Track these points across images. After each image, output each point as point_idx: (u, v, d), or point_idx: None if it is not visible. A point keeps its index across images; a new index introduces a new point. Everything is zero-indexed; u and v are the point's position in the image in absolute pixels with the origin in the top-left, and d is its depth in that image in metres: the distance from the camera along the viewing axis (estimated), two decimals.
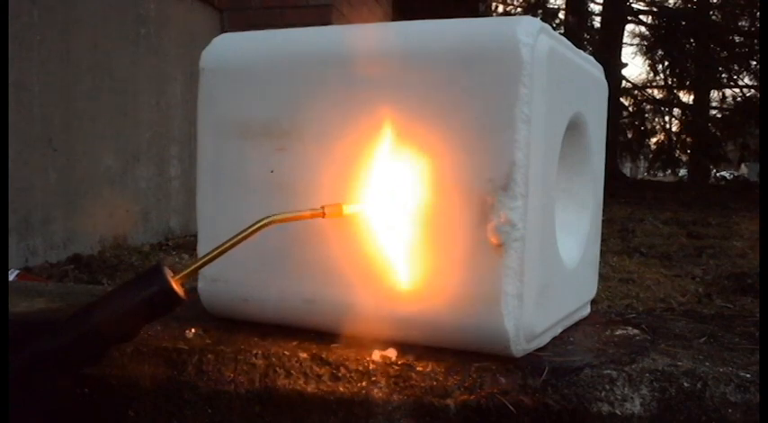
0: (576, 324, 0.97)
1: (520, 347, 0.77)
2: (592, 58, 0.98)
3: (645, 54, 12.11)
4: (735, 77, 11.34)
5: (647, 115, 12.44)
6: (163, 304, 0.73)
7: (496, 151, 0.74)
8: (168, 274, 0.73)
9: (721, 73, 11.25)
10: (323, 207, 0.79)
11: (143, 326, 0.76)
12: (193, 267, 0.76)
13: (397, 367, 0.78)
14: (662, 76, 12.05)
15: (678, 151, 12.21)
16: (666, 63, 11.67)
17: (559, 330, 0.90)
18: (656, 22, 11.60)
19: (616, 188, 6.67)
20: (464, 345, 0.79)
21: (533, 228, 0.76)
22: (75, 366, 0.76)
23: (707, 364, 0.78)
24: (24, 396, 0.70)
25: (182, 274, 0.75)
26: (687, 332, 0.94)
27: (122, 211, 2.90)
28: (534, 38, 0.74)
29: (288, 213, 0.79)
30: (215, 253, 0.76)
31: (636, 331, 0.93)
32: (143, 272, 0.75)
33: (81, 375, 0.83)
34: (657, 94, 12.55)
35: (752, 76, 10.98)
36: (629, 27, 11.97)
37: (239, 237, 0.76)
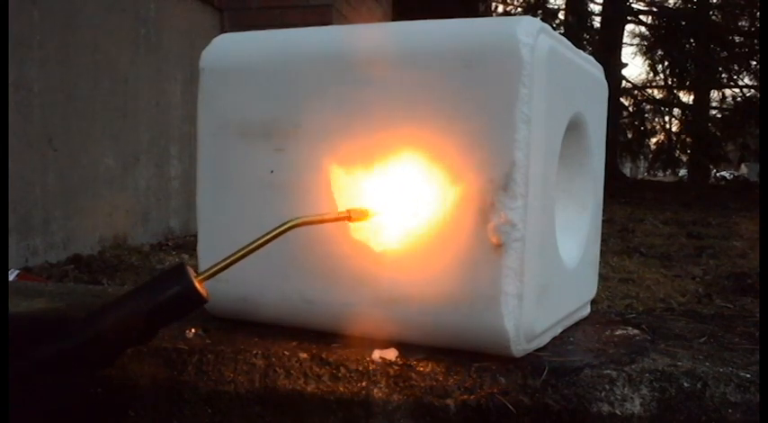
0: (576, 324, 0.97)
1: (520, 347, 0.77)
2: (592, 58, 0.98)
3: (645, 54, 12.09)
4: (735, 77, 11.33)
5: (647, 115, 12.43)
6: (186, 305, 0.72)
7: (496, 151, 0.74)
8: (191, 273, 0.72)
9: (721, 73, 11.24)
10: (348, 211, 0.79)
11: (164, 326, 0.75)
12: (217, 268, 0.75)
13: (397, 367, 0.78)
14: (662, 76, 12.04)
15: (678, 151, 12.20)
16: (666, 63, 11.66)
17: (559, 330, 0.90)
18: (656, 22, 11.59)
19: (616, 188, 6.67)
20: (464, 345, 0.79)
21: (533, 228, 0.76)
22: (92, 366, 0.75)
23: (707, 364, 0.78)
24: (28, 395, 0.70)
25: (205, 275, 0.74)
26: (687, 332, 0.94)
27: (122, 211, 2.90)
28: (534, 38, 0.74)
29: (313, 216, 0.79)
30: (239, 254, 0.75)
31: (636, 331, 0.93)
32: (165, 271, 0.74)
33: (95, 376, 0.83)
34: (657, 94, 12.54)
35: (752, 76, 10.98)
36: (629, 27, 11.97)
37: (265, 238, 0.75)
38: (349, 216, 0.79)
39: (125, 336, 0.71)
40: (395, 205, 0.80)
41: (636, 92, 12.30)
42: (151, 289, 0.72)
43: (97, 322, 0.71)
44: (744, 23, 10.67)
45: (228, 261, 0.75)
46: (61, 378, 0.70)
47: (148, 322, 0.72)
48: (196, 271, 0.75)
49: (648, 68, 12.16)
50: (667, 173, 13.30)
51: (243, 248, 0.75)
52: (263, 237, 0.75)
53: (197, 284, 0.71)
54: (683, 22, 10.99)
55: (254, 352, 0.82)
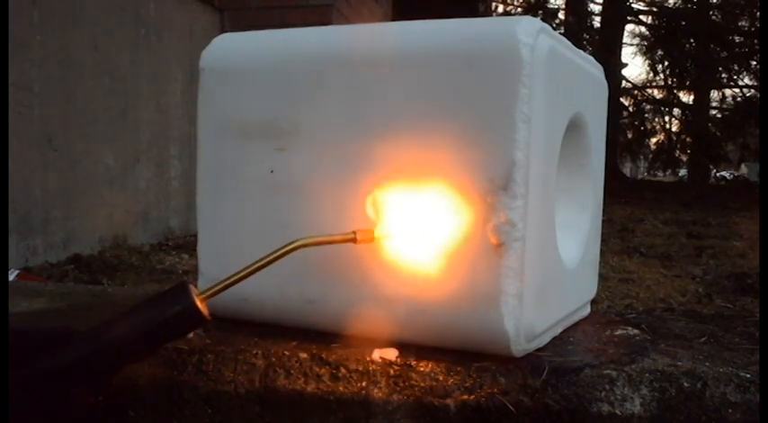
0: (576, 324, 0.97)
1: (520, 347, 0.77)
2: (592, 58, 0.98)
3: (645, 54, 12.09)
4: (735, 77, 11.33)
5: (647, 115, 12.43)
6: (187, 324, 0.72)
7: (496, 151, 0.74)
8: (194, 292, 0.71)
9: (721, 73, 11.25)
10: (354, 232, 0.79)
11: (164, 344, 0.75)
12: (220, 287, 0.74)
13: (397, 367, 0.78)
14: (662, 76, 12.04)
15: (678, 151, 12.21)
16: (666, 63, 11.66)
17: (559, 330, 0.90)
18: (656, 22, 11.59)
19: (616, 188, 6.67)
20: (464, 345, 0.79)
21: (533, 228, 0.76)
22: (92, 380, 0.75)
23: (707, 364, 0.78)
24: (29, 400, 0.70)
25: (207, 294, 0.73)
26: (687, 332, 0.94)
27: (122, 211, 2.90)
28: (534, 38, 0.74)
29: (318, 237, 0.78)
30: (243, 273, 0.75)
31: (636, 331, 0.93)
32: (168, 289, 0.73)
33: (96, 388, 0.82)
34: (657, 94, 12.54)
35: (752, 76, 10.98)
36: (629, 27, 11.96)
37: (270, 258, 0.75)
38: (355, 238, 0.78)
39: (126, 352, 0.71)
40: (394, 205, 0.80)
41: (636, 92, 12.30)
42: (153, 307, 0.71)
43: (98, 337, 0.70)
44: (744, 23, 10.67)
45: (232, 280, 0.75)
46: (62, 389, 0.70)
47: (149, 340, 0.71)
48: (196, 285, 0.75)
49: (648, 68, 12.17)
50: (667, 173, 13.31)
51: (246, 267, 0.75)
52: (268, 256, 0.75)
53: (198, 303, 0.71)
54: (683, 22, 10.99)
55: (254, 352, 0.82)
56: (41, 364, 0.69)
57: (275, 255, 0.75)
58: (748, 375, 0.75)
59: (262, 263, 0.75)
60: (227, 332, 0.89)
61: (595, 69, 0.98)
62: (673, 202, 6.12)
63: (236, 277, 0.75)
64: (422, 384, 0.76)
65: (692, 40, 11.02)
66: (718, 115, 11.83)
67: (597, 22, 11.63)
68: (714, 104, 12.34)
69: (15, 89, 2.26)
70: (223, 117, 0.91)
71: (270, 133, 0.87)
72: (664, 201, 6.34)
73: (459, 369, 0.77)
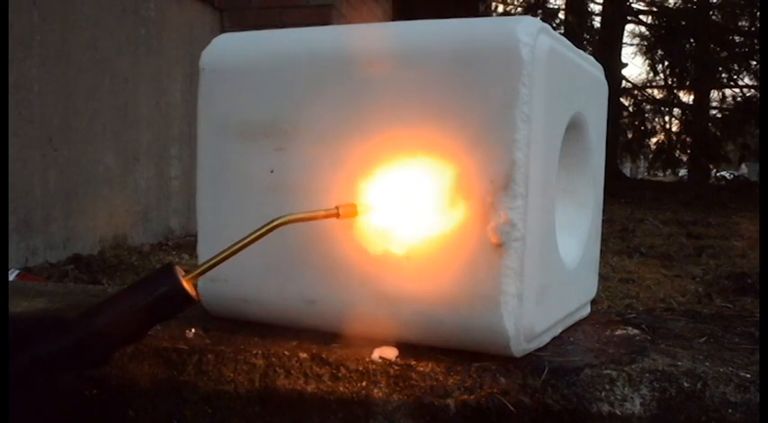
0: (577, 324, 0.97)
1: (520, 347, 0.77)
2: (592, 58, 0.98)
3: (645, 54, 12.08)
4: (735, 77, 11.32)
5: (647, 115, 12.42)
6: (174, 304, 0.72)
7: (496, 151, 0.74)
8: (180, 273, 0.72)
9: (721, 73, 11.24)
10: (337, 207, 0.78)
11: (153, 326, 0.76)
12: (205, 267, 0.75)
13: (397, 367, 0.78)
14: (662, 76, 12.03)
15: (678, 151, 12.19)
16: (666, 63, 11.65)
17: (559, 330, 0.90)
18: (656, 22, 11.58)
19: (616, 188, 6.66)
20: (464, 345, 0.79)
21: (533, 228, 0.76)
22: (84, 366, 0.75)
23: (707, 364, 0.78)
24: (27, 395, 0.70)
25: (193, 274, 0.74)
26: (687, 332, 0.94)
27: (122, 211, 2.90)
28: (534, 38, 0.74)
29: (301, 213, 0.78)
30: (227, 253, 0.75)
31: (636, 331, 0.93)
32: (154, 271, 0.74)
33: (89, 377, 0.83)
34: (657, 94, 12.53)
35: (752, 76, 10.97)
36: (629, 27, 11.95)
37: (252, 236, 0.75)
38: (338, 213, 0.78)
39: (115, 335, 0.72)
40: (395, 205, 0.80)
41: (636, 92, 12.29)
42: (140, 289, 0.72)
43: (87, 322, 0.71)
44: (744, 23, 10.66)
45: (216, 259, 0.75)
46: (55, 377, 0.71)
47: (138, 322, 0.72)
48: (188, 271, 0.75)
49: (648, 68, 12.15)
50: (667, 173, 13.30)
51: (231, 247, 0.75)
52: (251, 234, 0.75)
53: (185, 284, 0.71)
54: (683, 22, 10.98)
55: (254, 352, 0.82)
56: (37, 351, 0.69)
57: (259, 232, 0.75)
58: (748, 375, 0.75)
59: (246, 241, 0.75)
60: (227, 332, 0.89)
61: (595, 69, 0.98)
62: (673, 202, 6.11)
63: (220, 257, 0.75)
64: (422, 384, 0.76)
65: (692, 40, 11.01)
66: (718, 115, 11.82)
67: (597, 22, 11.62)
68: (714, 104, 12.33)
69: (15, 89, 2.25)
70: (223, 117, 0.91)
71: (270, 133, 0.87)
72: (664, 201, 6.33)
73: (459, 369, 0.77)
